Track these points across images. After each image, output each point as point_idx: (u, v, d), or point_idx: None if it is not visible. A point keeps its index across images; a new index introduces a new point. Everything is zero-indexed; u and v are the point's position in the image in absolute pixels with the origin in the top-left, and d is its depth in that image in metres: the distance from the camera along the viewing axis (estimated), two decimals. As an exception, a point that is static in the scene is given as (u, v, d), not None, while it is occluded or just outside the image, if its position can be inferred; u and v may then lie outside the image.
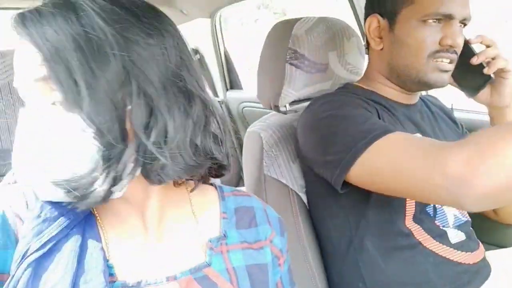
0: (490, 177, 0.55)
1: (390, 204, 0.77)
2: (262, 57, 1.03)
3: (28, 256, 0.42)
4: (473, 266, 0.83)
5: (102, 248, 0.47)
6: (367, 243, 0.83)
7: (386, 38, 0.86)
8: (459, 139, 0.96)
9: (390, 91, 0.90)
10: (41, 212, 0.45)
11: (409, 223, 0.80)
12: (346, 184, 0.75)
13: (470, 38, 0.87)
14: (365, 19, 0.91)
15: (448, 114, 1.03)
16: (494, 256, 0.92)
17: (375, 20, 0.87)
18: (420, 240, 0.80)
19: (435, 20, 0.79)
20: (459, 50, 0.82)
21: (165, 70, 0.45)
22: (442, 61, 0.81)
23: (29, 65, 0.42)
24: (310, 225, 0.94)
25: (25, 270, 0.42)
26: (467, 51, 0.85)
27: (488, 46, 0.86)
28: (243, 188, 0.89)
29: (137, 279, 0.48)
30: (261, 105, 1.07)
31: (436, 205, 0.84)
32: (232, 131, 2.07)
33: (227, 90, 2.12)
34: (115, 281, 0.47)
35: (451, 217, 0.85)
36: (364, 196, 0.77)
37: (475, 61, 0.85)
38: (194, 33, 2.01)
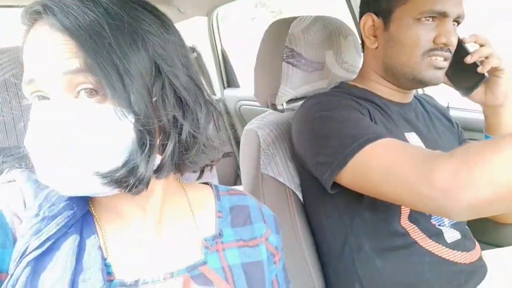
0: (476, 189, 0.57)
1: (385, 204, 0.78)
2: (259, 56, 1.04)
3: (27, 254, 0.42)
4: (470, 266, 0.83)
5: (99, 247, 0.47)
6: (363, 243, 0.83)
7: (380, 36, 0.87)
8: (454, 138, 0.98)
9: (385, 90, 0.90)
10: (39, 211, 0.45)
11: (405, 222, 0.81)
12: (337, 185, 0.76)
13: (464, 37, 0.87)
14: (360, 18, 0.91)
15: (443, 113, 1.03)
16: (490, 256, 0.92)
17: (370, 19, 0.88)
18: (416, 239, 0.81)
19: (429, 18, 0.80)
20: (453, 48, 0.83)
21: (185, 65, 0.48)
22: (436, 59, 0.82)
23: (58, 57, 0.41)
24: (307, 224, 0.94)
25: (24, 269, 0.42)
26: (461, 50, 0.86)
27: (481, 45, 0.86)
28: (240, 187, 0.90)
29: (134, 278, 0.48)
30: (258, 103, 1.08)
31: None
32: (229, 128, 2.07)
33: (224, 88, 2.12)
34: (113, 280, 0.47)
35: None
36: (357, 196, 0.78)
37: (469, 60, 0.86)
38: (191, 31, 2.01)
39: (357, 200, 0.79)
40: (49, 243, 0.44)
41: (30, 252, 0.42)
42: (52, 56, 0.42)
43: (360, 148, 0.70)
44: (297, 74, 0.97)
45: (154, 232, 0.52)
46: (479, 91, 0.91)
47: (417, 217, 0.82)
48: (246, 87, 2.09)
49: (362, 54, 0.99)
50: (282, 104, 1.01)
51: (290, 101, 1.02)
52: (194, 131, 0.48)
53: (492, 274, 0.87)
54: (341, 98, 0.84)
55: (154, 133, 0.44)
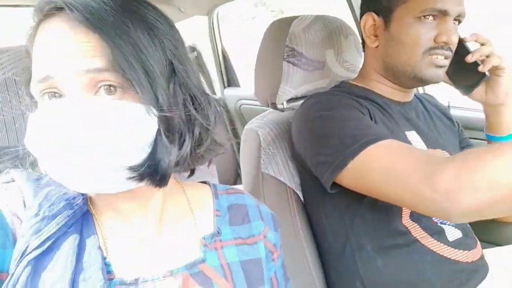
0: (477, 192, 0.57)
1: (386, 203, 0.78)
2: (259, 55, 1.04)
3: (27, 254, 0.42)
4: (471, 265, 0.83)
5: (99, 247, 0.47)
6: (363, 242, 0.83)
7: (381, 36, 0.86)
8: (454, 137, 0.98)
9: (385, 89, 0.90)
10: (39, 211, 0.45)
11: (406, 221, 0.81)
12: (337, 184, 0.76)
13: (465, 36, 0.87)
14: (360, 17, 0.91)
15: (444, 112, 1.03)
16: (492, 254, 0.92)
17: (371, 18, 0.87)
18: (417, 238, 0.81)
19: (430, 17, 0.80)
20: (454, 47, 0.83)
21: (192, 65, 0.49)
22: (437, 57, 0.82)
23: (81, 54, 0.41)
24: (308, 223, 0.94)
25: (25, 268, 0.42)
26: (461, 49, 0.86)
27: (482, 44, 0.86)
28: (240, 186, 0.90)
29: (134, 276, 0.48)
30: (258, 103, 1.08)
31: None
32: (230, 127, 2.07)
33: (224, 87, 2.12)
34: (113, 279, 0.47)
35: None
36: (358, 195, 0.78)
37: (469, 58, 0.86)
38: (191, 30, 2.00)
39: (358, 199, 0.79)
40: (49, 243, 0.44)
41: (30, 252, 0.43)
42: (74, 53, 0.41)
43: (361, 149, 0.70)
44: (297, 73, 0.97)
45: (154, 231, 0.52)
46: (480, 90, 0.90)
47: (418, 215, 0.81)
48: (246, 86, 2.09)
49: (362, 53, 0.99)
50: (283, 103, 1.01)
51: (290, 100, 1.02)
52: (207, 127, 0.49)
53: (493, 273, 0.87)
54: (341, 97, 0.83)
55: (173, 128, 0.46)
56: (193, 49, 2.08)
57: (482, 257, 0.88)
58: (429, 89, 1.22)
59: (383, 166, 0.68)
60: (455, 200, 0.59)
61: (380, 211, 0.75)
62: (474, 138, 1.13)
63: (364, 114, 0.80)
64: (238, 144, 1.04)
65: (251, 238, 0.58)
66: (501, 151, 0.58)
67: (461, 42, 0.85)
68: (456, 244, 0.83)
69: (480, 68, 0.86)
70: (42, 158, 0.43)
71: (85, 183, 0.43)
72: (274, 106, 1.02)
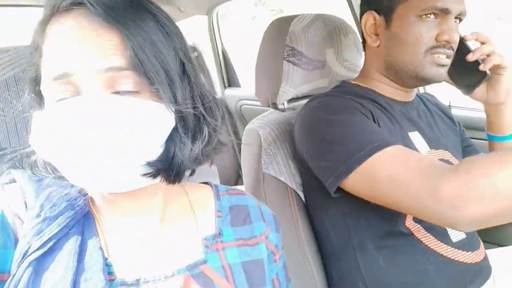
0: (481, 203, 0.58)
1: None
2: (259, 55, 1.03)
3: (29, 255, 0.42)
4: (475, 266, 0.83)
5: (100, 247, 0.47)
6: (366, 243, 0.83)
7: (382, 34, 0.86)
8: (456, 136, 0.98)
9: (387, 89, 0.90)
10: (40, 211, 0.45)
11: (409, 222, 0.80)
12: (340, 189, 0.76)
13: (466, 35, 0.87)
14: (360, 16, 0.91)
15: (445, 111, 1.03)
16: (495, 255, 0.92)
17: (371, 17, 0.87)
18: (420, 239, 0.80)
19: (431, 15, 0.79)
20: (455, 46, 0.83)
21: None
22: (438, 56, 0.81)
23: (103, 53, 0.41)
24: (309, 223, 0.94)
25: (26, 269, 0.42)
26: (462, 48, 0.85)
27: (483, 43, 0.86)
28: (241, 187, 0.90)
29: (135, 277, 0.48)
30: (259, 103, 1.07)
31: None
32: (230, 128, 2.07)
33: (225, 88, 2.12)
34: (114, 279, 0.47)
35: None
36: (361, 198, 0.77)
37: (470, 57, 0.85)
38: (191, 30, 2.00)
39: (362, 201, 0.78)
40: (50, 244, 0.44)
41: (32, 253, 0.43)
42: (95, 51, 0.41)
43: (366, 156, 0.70)
44: (297, 73, 0.97)
45: (156, 232, 0.52)
46: (481, 89, 0.90)
47: None
48: (247, 86, 2.09)
49: (363, 52, 0.99)
50: (283, 103, 1.01)
51: (291, 100, 1.02)
52: (214, 126, 0.51)
53: (496, 273, 0.87)
54: (345, 100, 0.83)
55: (188, 126, 0.47)
56: (194, 49, 2.08)
57: (485, 258, 0.87)
58: (430, 89, 1.22)
59: (388, 175, 0.68)
60: (460, 211, 0.59)
61: (384, 212, 0.75)
62: (475, 138, 1.13)
63: (368, 118, 0.79)
64: (239, 144, 1.04)
65: (252, 239, 0.58)
66: (505, 161, 0.58)
67: (461, 41, 0.85)
68: (460, 245, 0.82)
69: (481, 67, 0.85)
70: (56, 158, 0.42)
71: (103, 181, 0.43)
72: (274, 106, 1.02)
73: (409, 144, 0.83)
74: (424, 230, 0.81)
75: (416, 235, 0.80)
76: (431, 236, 0.81)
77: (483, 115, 0.97)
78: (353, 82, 0.94)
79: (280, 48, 0.96)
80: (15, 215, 0.45)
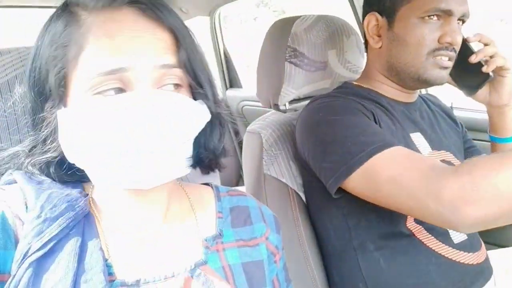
0: (482, 205, 0.58)
1: None
2: (261, 56, 1.03)
3: (29, 256, 0.42)
4: (476, 267, 0.83)
5: (101, 248, 0.47)
6: (367, 244, 0.83)
7: (384, 36, 0.86)
8: (458, 138, 0.97)
9: (389, 90, 0.90)
10: (41, 212, 0.45)
11: (410, 223, 0.80)
12: (341, 189, 0.76)
13: (468, 37, 0.86)
14: (363, 18, 0.91)
15: (447, 113, 1.02)
16: (496, 256, 0.92)
17: (374, 18, 0.87)
18: (422, 240, 0.80)
19: (434, 17, 0.79)
20: (458, 48, 0.82)
21: None
22: (441, 58, 0.81)
23: (158, 51, 0.44)
24: (310, 224, 0.94)
25: (26, 270, 0.42)
26: (465, 49, 0.85)
27: (486, 44, 0.86)
28: (242, 188, 0.90)
29: (136, 278, 0.48)
30: (261, 104, 1.07)
31: None
32: (232, 129, 2.07)
33: (226, 88, 2.12)
34: (114, 280, 0.47)
35: None
36: (362, 199, 0.77)
37: (473, 59, 0.85)
38: (193, 31, 2.00)
39: (363, 202, 0.78)
40: (51, 245, 0.43)
41: (32, 254, 0.42)
42: (152, 49, 0.44)
43: (367, 158, 0.70)
44: (299, 74, 0.97)
45: (156, 232, 0.52)
46: (484, 90, 0.90)
47: None
48: (249, 87, 2.09)
49: (365, 53, 0.99)
50: (285, 104, 1.01)
51: (292, 101, 1.02)
52: (224, 121, 0.54)
53: (497, 274, 0.87)
54: (347, 101, 0.83)
55: (219, 121, 0.53)
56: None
57: (486, 259, 0.87)
58: (432, 90, 1.22)
59: (389, 176, 0.68)
60: (461, 213, 0.59)
61: (385, 213, 0.75)
62: (478, 140, 1.13)
63: (369, 119, 0.79)
64: (240, 145, 1.04)
65: (253, 240, 0.58)
66: (505, 163, 0.58)
67: (464, 42, 0.85)
68: (461, 246, 0.82)
69: (484, 69, 0.85)
70: (101, 155, 0.43)
71: (150, 176, 0.44)
72: (276, 107, 1.02)
73: (410, 145, 0.83)
74: (425, 231, 0.81)
75: (417, 236, 0.80)
76: (432, 237, 0.81)
77: (485, 116, 0.97)
78: (355, 83, 0.94)
79: (282, 49, 0.96)
80: (15, 216, 0.45)
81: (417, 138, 0.86)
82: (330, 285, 0.92)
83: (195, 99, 0.49)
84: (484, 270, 0.85)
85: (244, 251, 0.57)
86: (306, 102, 0.91)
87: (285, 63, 0.95)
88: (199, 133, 0.49)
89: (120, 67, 0.42)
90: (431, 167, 0.65)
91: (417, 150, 0.83)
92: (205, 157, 0.52)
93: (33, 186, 0.48)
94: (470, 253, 0.83)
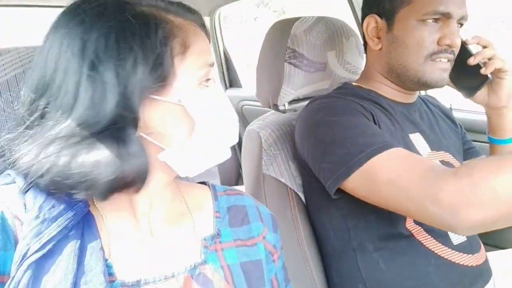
0: (481, 208, 0.58)
1: None
2: (261, 56, 1.03)
3: (28, 257, 0.42)
4: (476, 269, 0.83)
5: (101, 249, 0.47)
6: (366, 244, 0.83)
7: (384, 38, 0.86)
8: (457, 139, 0.98)
9: (389, 90, 0.90)
10: (39, 213, 0.45)
11: (410, 224, 0.80)
12: (340, 190, 0.76)
13: (467, 39, 0.87)
14: (362, 20, 0.91)
15: (447, 114, 1.03)
16: (495, 258, 0.92)
17: (373, 21, 0.87)
18: (421, 241, 0.80)
19: (433, 19, 0.79)
20: (457, 50, 0.83)
21: None
22: (440, 61, 0.81)
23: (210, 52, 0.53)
24: (309, 225, 0.94)
25: (25, 271, 0.42)
26: (464, 51, 0.85)
27: (484, 47, 0.86)
28: (242, 187, 0.90)
29: (136, 278, 0.48)
30: (260, 104, 1.07)
31: None
32: None
33: (226, 88, 2.12)
34: (114, 281, 0.47)
35: None
36: (361, 200, 0.77)
37: (472, 61, 0.85)
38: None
39: (362, 203, 0.79)
40: (50, 246, 0.43)
41: (31, 255, 0.42)
42: (209, 50, 0.54)
43: (366, 159, 0.70)
44: (299, 75, 0.97)
45: (156, 232, 0.52)
46: (482, 92, 0.90)
47: None
48: (248, 86, 2.09)
49: (364, 55, 0.99)
50: (284, 105, 1.01)
51: (292, 101, 1.02)
52: None
53: (496, 276, 0.87)
54: (346, 101, 0.83)
55: None
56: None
57: (486, 261, 0.87)
58: (431, 91, 1.22)
59: (388, 177, 0.68)
60: (459, 216, 0.59)
61: (384, 213, 0.75)
62: (477, 141, 1.13)
63: (369, 120, 0.79)
64: (240, 145, 1.04)
65: (251, 240, 0.59)
66: (504, 166, 0.58)
67: (463, 44, 0.85)
68: (460, 248, 0.82)
69: (483, 71, 0.85)
70: (209, 135, 0.50)
71: (225, 153, 0.54)
72: (275, 107, 1.02)
73: (409, 146, 0.83)
74: (424, 232, 0.81)
75: (417, 237, 0.80)
76: (432, 238, 0.81)
77: (484, 118, 0.97)
78: (354, 83, 0.94)
79: (282, 50, 0.96)
80: (14, 216, 0.45)
81: (416, 138, 0.86)
82: (329, 286, 0.92)
83: None
84: (483, 272, 0.85)
85: (242, 251, 0.57)
86: (306, 102, 0.91)
87: (285, 63, 0.95)
88: None
89: (211, 62, 0.52)
90: (430, 169, 0.65)
91: (416, 151, 0.83)
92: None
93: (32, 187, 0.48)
94: (470, 255, 0.83)
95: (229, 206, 0.60)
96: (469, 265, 0.82)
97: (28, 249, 0.42)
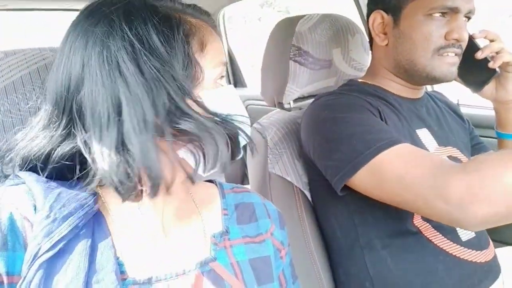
0: (490, 204, 0.57)
1: None
2: (265, 55, 1.03)
3: (39, 256, 0.42)
4: (484, 265, 0.82)
5: (112, 247, 0.47)
6: (374, 242, 0.82)
7: (390, 34, 0.85)
8: (465, 134, 0.97)
9: (396, 86, 0.89)
10: (50, 212, 0.45)
11: (418, 220, 0.80)
12: (346, 187, 0.75)
13: (474, 33, 0.86)
14: (368, 16, 0.90)
15: (454, 109, 1.02)
16: (504, 254, 0.91)
17: (379, 16, 0.87)
18: (429, 237, 0.79)
19: (440, 14, 0.79)
20: (464, 44, 0.82)
21: None
22: (448, 55, 0.81)
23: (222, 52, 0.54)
24: (316, 223, 0.94)
25: (37, 271, 0.42)
26: (471, 45, 0.85)
27: (492, 40, 0.85)
28: (247, 186, 0.90)
29: (147, 276, 0.48)
30: (265, 103, 1.07)
31: None
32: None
33: (231, 88, 2.12)
34: (126, 279, 0.47)
35: None
36: (368, 196, 0.77)
37: (479, 55, 0.84)
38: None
39: (368, 200, 0.78)
40: (61, 245, 0.43)
41: (42, 254, 0.42)
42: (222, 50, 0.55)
43: (373, 155, 0.69)
44: (304, 73, 0.97)
45: (166, 229, 0.53)
46: (490, 87, 0.89)
47: None
48: (253, 86, 2.09)
49: (370, 51, 0.98)
50: (289, 103, 1.01)
51: (297, 99, 1.02)
52: None
53: (504, 273, 0.86)
54: (352, 98, 0.82)
55: None
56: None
57: (494, 257, 0.86)
58: (437, 87, 1.21)
59: (395, 174, 0.67)
60: (468, 212, 0.59)
61: (391, 210, 0.75)
62: (485, 136, 1.12)
63: (375, 116, 0.79)
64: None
65: (259, 237, 0.59)
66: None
67: (470, 38, 0.84)
68: (469, 244, 0.81)
69: (491, 65, 0.84)
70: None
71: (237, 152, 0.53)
72: (280, 105, 1.02)
73: (416, 141, 0.82)
74: (432, 229, 0.80)
75: (425, 234, 0.80)
76: (440, 234, 0.80)
77: (491, 113, 0.96)
78: (360, 80, 0.93)
79: (287, 48, 0.96)
80: (24, 217, 0.45)
81: (424, 134, 0.85)
82: (336, 284, 0.91)
83: None
84: (492, 268, 0.84)
85: (251, 248, 0.57)
86: (311, 100, 0.91)
87: (290, 62, 0.95)
88: None
89: (223, 61, 0.54)
90: (438, 164, 0.65)
91: (423, 146, 0.82)
92: None
93: (41, 186, 0.47)
94: (478, 251, 0.82)
95: (236, 204, 0.60)
96: (478, 261, 0.81)
97: (39, 249, 0.42)
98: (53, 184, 0.48)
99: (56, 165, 0.48)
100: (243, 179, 2.03)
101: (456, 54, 0.81)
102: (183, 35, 0.48)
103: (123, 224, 0.50)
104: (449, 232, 0.80)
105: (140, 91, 0.44)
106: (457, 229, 0.82)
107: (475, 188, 0.58)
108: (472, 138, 1.00)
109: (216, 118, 0.49)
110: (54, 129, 0.48)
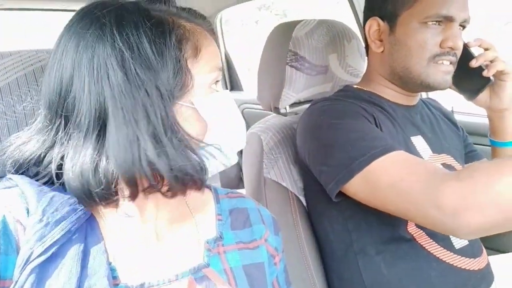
0: (483, 213, 0.58)
1: None
2: (262, 59, 1.03)
3: (32, 261, 0.42)
4: (477, 273, 0.82)
5: (104, 252, 0.47)
6: (368, 248, 0.82)
7: (386, 40, 0.86)
8: (459, 141, 0.97)
9: (391, 93, 0.90)
10: (43, 216, 0.44)
11: (411, 227, 0.80)
12: (341, 193, 0.76)
13: (469, 41, 0.87)
14: (364, 22, 0.91)
15: (448, 116, 1.02)
16: (497, 262, 0.91)
17: (375, 23, 0.87)
18: (423, 244, 0.80)
19: (435, 22, 0.79)
20: (459, 52, 0.83)
21: None
22: (443, 63, 0.81)
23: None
24: (310, 228, 0.94)
25: (29, 276, 0.41)
26: (466, 54, 0.85)
27: (486, 49, 0.86)
28: (243, 191, 0.89)
29: (140, 281, 0.48)
30: (261, 107, 1.07)
31: None
32: None
33: (227, 91, 2.12)
34: (118, 284, 0.47)
35: None
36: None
37: (474, 63, 0.85)
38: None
39: (363, 206, 0.78)
40: (53, 249, 0.43)
41: (34, 259, 0.42)
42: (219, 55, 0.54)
43: (367, 162, 0.70)
44: (300, 78, 0.97)
45: (156, 237, 0.52)
46: (484, 95, 0.90)
47: None
48: (249, 90, 2.09)
49: (365, 57, 0.99)
50: (285, 108, 1.01)
51: (293, 104, 1.02)
52: None
53: (498, 280, 0.86)
54: (348, 104, 0.83)
55: None
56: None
57: (488, 265, 0.86)
58: (432, 94, 1.22)
59: (389, 181, 0.67)
60: (461, 220, 0.59)
61: (385, 216, 0.75)
62: (478, 144, 1.12)
63: (370, 122, 0.79)
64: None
65: (253, 242, 0.59)
66: (506, 169, 0.58)
67: (465, 47, 0.85)
68: (462, 252, 0.81)
69: (485, 73, 0.85)
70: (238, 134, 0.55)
71: (232, 158, 0.55)
72: (277, 110, 1.02)
73: (411, 149, 0.83)
74: (426, 236, 0.80)
75: (418, 241, 0.80)
76: (434, 242, 0.80)
77: (485, 120, 0.97)
78: (356, 86, 0.94)
79: (283, 53, 0.96)
80: (16, 220, 0.45)
81: (418, 141, 0.86)
82: (330, 289, 0.91)
83: None
84: (485, 276, 0.84)
85: (245, 254, 0.57)
86: (307, 105, 0.91)
87: (286, 67, 0.95)
88: None
89: (221, 66, 0.54)
90: (432, 172, 0.65)
91: (417, 154, 0.83)
92: None
93: (34, 190, 0.47)
94: (472, 259, 0.82)
95: (231, 209, 0.60)
96: (471, 269, 0.81)
97: (31, 253, 0.42)
98: (46, 188, 0.48)
99: (49, 169, 0.48)
100: (238, 184, 2.02)
101: (451, 62, 0.82)
102: (176, 40, 0.48)
103: (116, 229, 0.50)
104: (442, 239, 0.81)
105: (126, 99, 0.44)
106: (451, 236, 0.82)
107: (468, 197, 0.58)
108: (466, 146, 1.01)
109: (193, 142, 0.49)
110: (47, 133, 0.48)
